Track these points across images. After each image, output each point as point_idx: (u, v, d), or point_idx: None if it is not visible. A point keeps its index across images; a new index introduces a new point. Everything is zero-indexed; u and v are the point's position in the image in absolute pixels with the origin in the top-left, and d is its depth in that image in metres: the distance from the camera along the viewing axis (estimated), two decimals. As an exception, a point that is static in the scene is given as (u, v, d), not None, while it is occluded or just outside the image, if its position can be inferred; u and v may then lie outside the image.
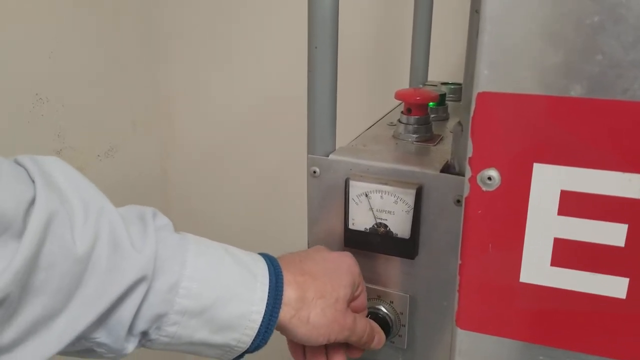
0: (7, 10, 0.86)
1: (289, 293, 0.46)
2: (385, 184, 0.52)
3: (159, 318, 0.41)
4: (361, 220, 0.54)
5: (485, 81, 0.36)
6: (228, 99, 1.18)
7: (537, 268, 0.38)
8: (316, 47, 0.52)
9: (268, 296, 0.44)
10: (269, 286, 0.45)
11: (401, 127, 0.62)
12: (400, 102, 0.63)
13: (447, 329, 0.55)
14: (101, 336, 0.39)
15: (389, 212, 0.53)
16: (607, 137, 0.34)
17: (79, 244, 0.36)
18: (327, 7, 0.51)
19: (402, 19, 0.95)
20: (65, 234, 0.36)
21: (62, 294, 0.36)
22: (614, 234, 0.36)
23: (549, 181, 0.36)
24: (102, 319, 0.39)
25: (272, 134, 1.15)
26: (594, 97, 0.34)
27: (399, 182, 0.52)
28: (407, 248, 0.53)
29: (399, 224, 0.53)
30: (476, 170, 0.38)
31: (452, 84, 0.81)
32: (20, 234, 0.33)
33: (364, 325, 0.51)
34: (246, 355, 0.47)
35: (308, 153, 0.56)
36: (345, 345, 0.53)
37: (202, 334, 0.43)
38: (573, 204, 0.36)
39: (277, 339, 0.47)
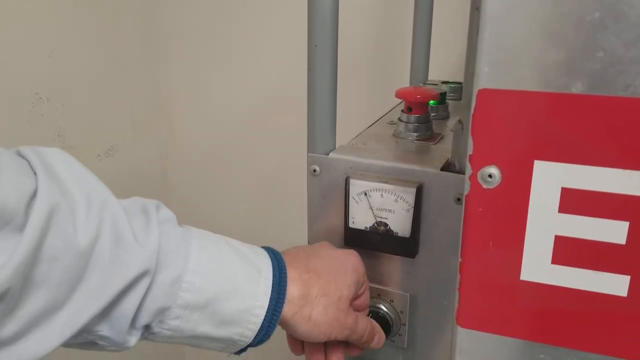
0: (7, 10, 0.86)
1: (293, 290, 0.46)
2: (386, 182, 0.52)
3: (161, 312, 0.41)
4: (361, 219, 0.54)
5: (486, 79, 0.36)
6: (228, 99, 1.18)
7: (537, 266, 0.38)
8: (316, 46, 0.52)
9: (271, 291, 0.44)
10: (273, 281, 0.45)
11: (401, 126, 0.62)
12: (400, 100, 0.63)
13: (447, 328, 0.55)
14: (104, 329, 0.39)
15: (389, 210, 0.53)
16: (608, 134, 0.34)
17: (81, 237, 0.36)
18: (327, 5, 0.51)
19: (402, 19, 0.95)
20: (68, 227, 0.36)
21: (64, 287, 0.36)
22: (615, 231, 0.35)
23: (549, 178, 0.36)
24: (105, 312, 0.39)
25: (272, 134, 1.15)
26: (595, 94, 0.34)
27: (399, 180, 0.52)
28: (407, 247, 0.53)
29: (399, 223, 0.53)
30: (477, 167, 0.38)
31: (452, 82, 0.81)
32: (22, 227, 0.33)
33: (365, 325, 0.51)
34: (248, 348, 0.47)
35: (308, 151, 0.56)
36: (344, 343, 0.53)
37: (205, 328, 0.43)
38: (574, 201, 0.36)
39: (280, 333, 0.47)
